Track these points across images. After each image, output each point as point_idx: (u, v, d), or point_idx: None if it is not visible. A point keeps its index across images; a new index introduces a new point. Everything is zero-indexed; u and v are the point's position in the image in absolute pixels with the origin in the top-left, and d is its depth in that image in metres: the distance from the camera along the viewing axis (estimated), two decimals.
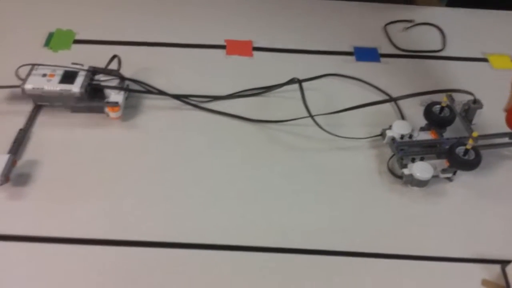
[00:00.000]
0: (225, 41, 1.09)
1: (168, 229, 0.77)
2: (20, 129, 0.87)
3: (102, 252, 0.74)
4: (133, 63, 0.99)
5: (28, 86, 0.85)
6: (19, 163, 0.82)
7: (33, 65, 0.89)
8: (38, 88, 0.85)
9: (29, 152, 0.85)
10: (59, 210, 0.78)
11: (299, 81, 0.91)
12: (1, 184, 0.77)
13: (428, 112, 0.88)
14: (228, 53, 1.07)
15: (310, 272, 0.73)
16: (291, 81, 0.95)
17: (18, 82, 0.87)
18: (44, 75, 0.87)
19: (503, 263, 0.75)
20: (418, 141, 0.87)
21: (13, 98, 0.91)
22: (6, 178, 0.77)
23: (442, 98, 0.87)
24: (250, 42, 1.09)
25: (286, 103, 0.97)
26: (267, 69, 1.03)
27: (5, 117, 0.89)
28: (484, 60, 1.09)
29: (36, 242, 0.74)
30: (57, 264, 0.72)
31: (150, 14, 1.14)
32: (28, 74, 0.87)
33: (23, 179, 0.81)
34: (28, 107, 0.90)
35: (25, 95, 0.87)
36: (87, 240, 0.75)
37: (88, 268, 0.72)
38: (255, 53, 1.07)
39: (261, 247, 0.76)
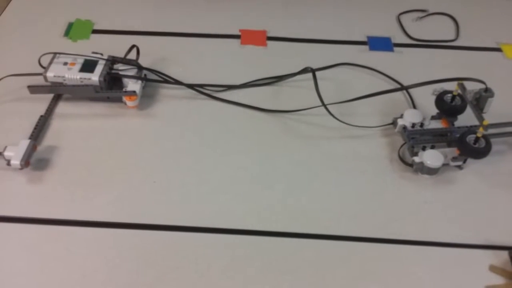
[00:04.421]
0: (240, 31, 1.11)
1: (183, 214, 0.79)
2: (41, 116, 0.90)
3: (119, 235, 0.76)
4: (150, 52, 1.02)
5: (50, 74, 0.88)
6: (39, 148, 0.86)
7: (55, 53, 0.92)
8: (59, 76, 0.88)
9: (49, 138, 0.88)
10: (77, 194, 0.81)
11: (313, 70, 0.93)
12: (22, 168, 0.80)
13: (439, 100, 0.89)
14: (242, 42, 1.08)
15: (322, 257, 0.75)
16: (305, 70, 0.97)
17: (40, 70, 0.90)
18: (65, 63, 0.90)
19: (511, 249, 0.76)
20: (429, 129, 0.88)
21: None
22: (27, 162, 0.80)
23: (454, 87, 0.88)
24: (264, 32, 1.11)
25: (299, 92, 0.98)
26: (281, 59, 1.05)
27: (27, 104, 0.92)
28: (498, 50, 1.09)
29: (54, 225, 0.77)
30: (74, 246, 0.75)
31: (166, 5, 1.16)
32: (50, 63, 0.90)
33: (42, 164, 0.84)
34: (49, 95, 0.93)
35: (45, 88, 0.90)
36: (104, 224, 0.78)
37: (105, 250, 0.75)
38: (269, 42, 1.09)
39: (275, 232, 0.78)
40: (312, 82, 0.91)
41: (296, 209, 0.81)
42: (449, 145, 0.87)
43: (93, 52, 0.92)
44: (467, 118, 0.88)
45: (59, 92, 0.92)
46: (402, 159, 0.87)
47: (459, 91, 0.87)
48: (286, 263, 0.74)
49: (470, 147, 0.82)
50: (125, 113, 0.93)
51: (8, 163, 0.80)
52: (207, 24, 1.11)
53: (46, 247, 0.74)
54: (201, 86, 0.97)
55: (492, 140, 0.83)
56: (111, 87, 0.92)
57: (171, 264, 0.73)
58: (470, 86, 0.86)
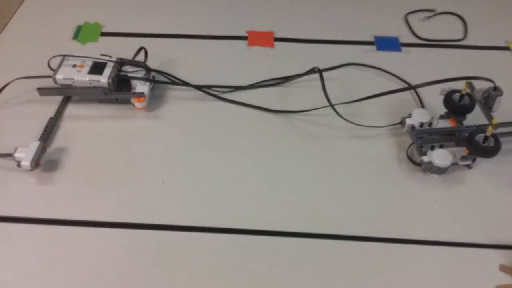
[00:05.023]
0: (247, 32, 1.11)
1: (191, 214, 0.79)
2: (51, 118, 0.91)
3: (128, 236, 0.77)
4: (158, 54, 1.02)
5: (59, 76, 0.89)
6: (49, 150, 0.86)
7: (64, 56, 0.92)
8: (68, 78, 0.89)
9: (59, 140, 0.89)
10: (86, 195, 0.81)
11: (320, 71, 0.93)
12: (32, 170, 0.81)
13: (447, 100, 0.88)
14: (249, 44, 1.08)
15: (331, 257, 0.75)
16: (312, 71, 0.96)
17: (50, 73, 0.91)
18: (74, 65, 0.91)
19: None
20: (437, 129, 0.87)
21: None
22: (37, 164, 0.81)
23: (462, 86, 0.87)
24: (271, 33, 1.11)
25: (306, 92, 0.98)
26: (288, 59, 1.05)
27: (36, 106, 0.93)
28: (506, 48, 1.08)
29: (64, 225, 0.78)
30: (84, 246, 0.75)
31: (174, 7, 1.16)
32: (59, 65, 0.91)
33: (52, 165, 0.85)
34: (58, 97, 0.94)
35: (55, 91, 0.91)
36: (113, 224, 0.78)
37: (114, 251, 0.75)
38: (276, 43, 1.09)
39: (283, 231, 0.78)
40: (319, 83, 0.91)
41: (304, 209, 0.81)
42: (458, 144, 0.86)
43: (102, 55, 0.93)
44: (476, 117, 0.87)
45: (68, 94, 0.93)
46: (410, 159, 0.87)
47: (468, 90, 0.87)
48: (295, 263, 0.74)
49: (479, 146, 0.81)
50: (133, 114, 0.93)
51: (19, 165, 0.80)
52: (214, 26, 1.12)
53: (55, 247, 0.75)
54: (209, 87, 0.97)
55: (502, 139, 0.82)
56: (119, 89, 0.92)
57: (179, 264, 0.74)
58: (479, 85, 0.86)
